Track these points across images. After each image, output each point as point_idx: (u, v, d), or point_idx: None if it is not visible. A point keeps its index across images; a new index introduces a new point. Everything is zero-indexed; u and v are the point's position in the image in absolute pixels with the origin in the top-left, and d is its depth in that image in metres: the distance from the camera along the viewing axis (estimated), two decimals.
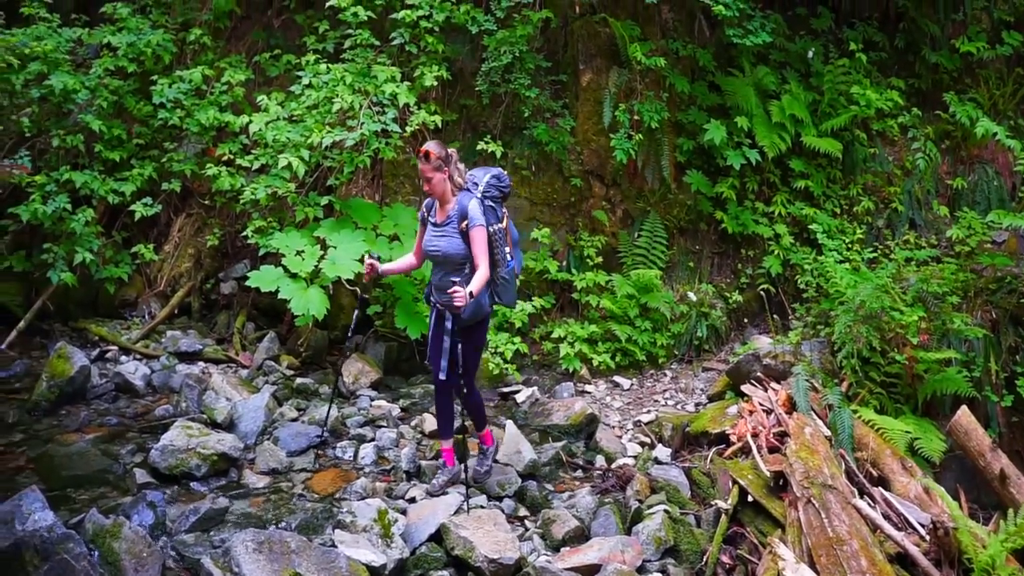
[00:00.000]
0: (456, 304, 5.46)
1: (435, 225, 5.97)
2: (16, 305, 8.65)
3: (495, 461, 6.62)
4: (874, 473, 6.64)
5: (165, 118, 8.85)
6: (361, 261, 7.89)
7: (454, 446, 6.37)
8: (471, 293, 5.54)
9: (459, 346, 5.92)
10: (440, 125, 8.66)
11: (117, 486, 6.02)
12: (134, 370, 7.84)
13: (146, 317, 9.01)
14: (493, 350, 8.34)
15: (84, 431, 6.82)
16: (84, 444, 6.57)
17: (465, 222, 5.78)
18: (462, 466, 6.07)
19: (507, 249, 6.02)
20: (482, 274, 5.71)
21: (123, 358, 8.24)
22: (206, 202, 9.26)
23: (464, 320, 5.81)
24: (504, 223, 6.03)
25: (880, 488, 6.43)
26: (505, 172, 6.12)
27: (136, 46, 8.97)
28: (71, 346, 7.63)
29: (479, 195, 5.88)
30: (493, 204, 5.94)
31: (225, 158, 8.78)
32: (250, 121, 8.44)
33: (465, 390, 6.14)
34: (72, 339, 8.40)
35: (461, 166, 5.99)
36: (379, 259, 6.19)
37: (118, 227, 9.13)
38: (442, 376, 6.00)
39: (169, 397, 7.58)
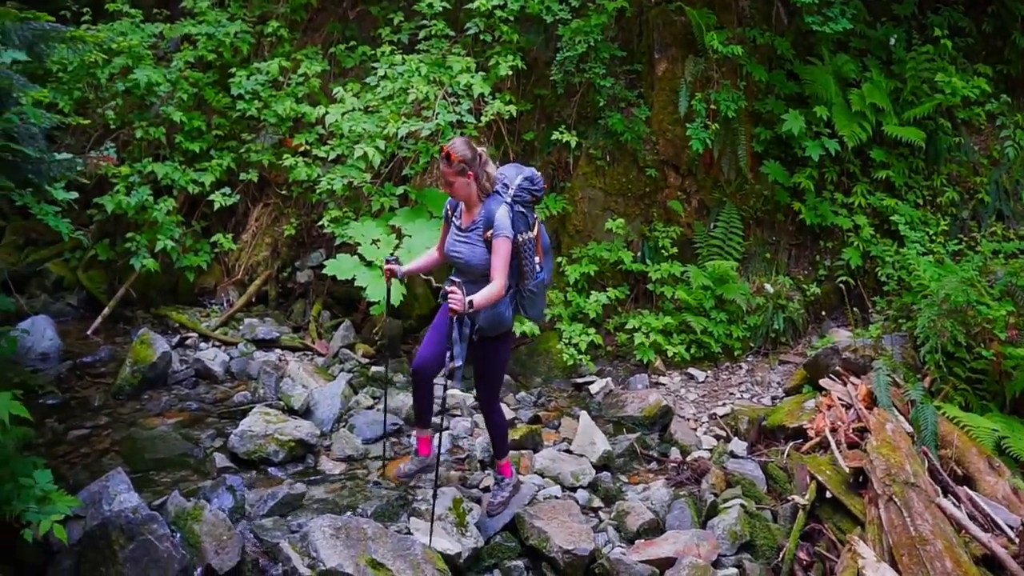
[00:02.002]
0: (451, 306, 4.99)
1: (459, 229, 5.46)
2: (101, 292, 8.92)
3: (547, 470, 6.38)
4: (959, 472, 6.44)
5: (243, 109, 9.01)
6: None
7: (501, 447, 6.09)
8: (471, 302, 5.02)
9: (475, 359, 5.45)
10: (515, 115, 8.65)
11: (197, 470, 6.14)
12: (213, 357, 7.99)
13: (224, 305, 9.17)
14: (567, 341, 8.31)
15: (165, 415, 6.96)
16: (166, 428, 6.71)
17: (490, 231, 5.26)
18: (435, 456, 5.70)
19: (536, 259, 5.49)
20: (494, 288, 5.17)
21: (202, 345, 8.40)
22: (283, 192, 9.38)
23: (483, 329, 5.34)
24: (535, 231, 5.47)
25: (965, 487, 6.24)
26: (539, 173, 5.52)
27: (215, 38, 9.16)
28: (153, 332, 7.81)
29: (509, 199, 5.34)
30: (524, 210, 5.37)
31: (302, 149, 8.88)
32: (326, 112, 8.52)
33: (488, 409, 5.77)
34: (154, 326, 8.58)
35: (490, 168, 5.38)
36: (398, 260, 5.74)
37: (197, 216, 9.32)
38: (453, 364, 5.26)
39: (247, 384, 7.70)
